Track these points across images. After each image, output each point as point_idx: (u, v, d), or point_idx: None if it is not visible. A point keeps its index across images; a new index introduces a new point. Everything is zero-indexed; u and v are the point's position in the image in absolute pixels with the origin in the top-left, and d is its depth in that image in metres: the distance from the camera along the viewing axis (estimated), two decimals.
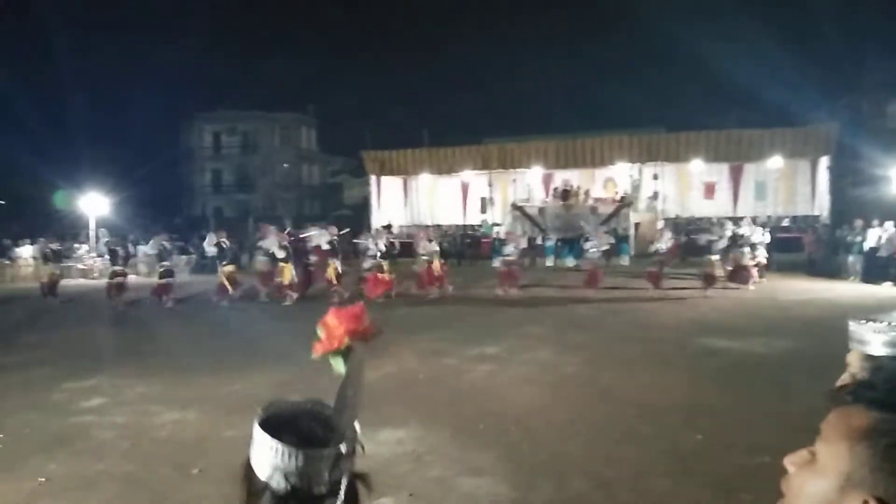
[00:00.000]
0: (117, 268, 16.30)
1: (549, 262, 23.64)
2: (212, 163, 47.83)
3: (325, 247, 15.66)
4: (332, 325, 1.28)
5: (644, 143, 26.09)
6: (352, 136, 43.18)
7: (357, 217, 33.78)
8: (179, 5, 76.06)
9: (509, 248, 16.80)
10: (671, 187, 26.97)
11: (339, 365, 1.25)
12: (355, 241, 17.55)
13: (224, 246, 18.27)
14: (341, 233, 16.81)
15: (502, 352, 9.16)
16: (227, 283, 15.65)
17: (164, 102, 53.11)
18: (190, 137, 47.65)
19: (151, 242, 17.97)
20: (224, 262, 16.23)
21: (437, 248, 16.56)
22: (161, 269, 16.30)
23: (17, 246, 25.63)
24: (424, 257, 15.86)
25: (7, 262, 24.62)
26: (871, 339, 1.69)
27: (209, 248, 18.39)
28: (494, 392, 7.17)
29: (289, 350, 8.43)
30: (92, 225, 26.32)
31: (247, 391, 7.21)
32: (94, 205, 26.62)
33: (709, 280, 14.96)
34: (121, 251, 17.51)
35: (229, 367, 8.46)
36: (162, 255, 16.55)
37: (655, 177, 26.51)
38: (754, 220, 18.73)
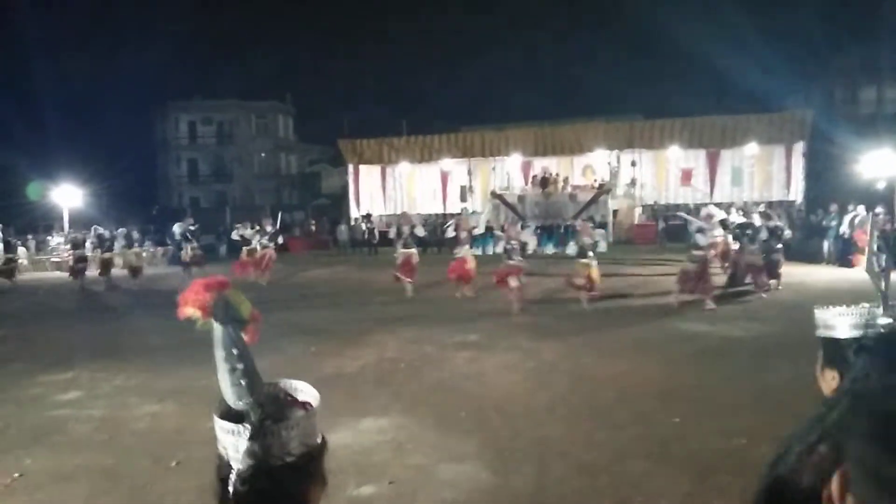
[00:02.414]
0: (79, 253, 18.03)
1: (530, 249, 23.73)
2: (188, 153, 47.22)
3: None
4: (189, 293, 1.28)
5: (622, 130, 26.24)
6: (330, 124, 42.80)
7: (336, 206, 33.62)
8: None
9: (461, 245, 13.96)
10: (649, 174, 27.17)
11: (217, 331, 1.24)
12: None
13: (189, 234, 18.63)
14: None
15: (483, 339, 9.18)
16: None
17: (139, 92, 52.21)
18: (165, 127, 46.97)
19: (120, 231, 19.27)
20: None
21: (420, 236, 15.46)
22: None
23: None
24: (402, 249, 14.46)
25: None
26: (837, 323, 1.72)
27: (177, 234, 18.90)
28: (475, 379, 7.19)
29: (269, 338, 8.39)
30: (66, 216, 25.91)
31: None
32: (68, 196, 26.18)
33: (684, 280, 11.43)
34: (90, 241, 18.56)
35: (209, 359, 8.36)
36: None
37: (633, 163, 26.67)
38: (739, 208, 18.86)
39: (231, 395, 1.09)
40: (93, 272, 18.22)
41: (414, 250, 14.18)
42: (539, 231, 24.24)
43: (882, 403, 0.68)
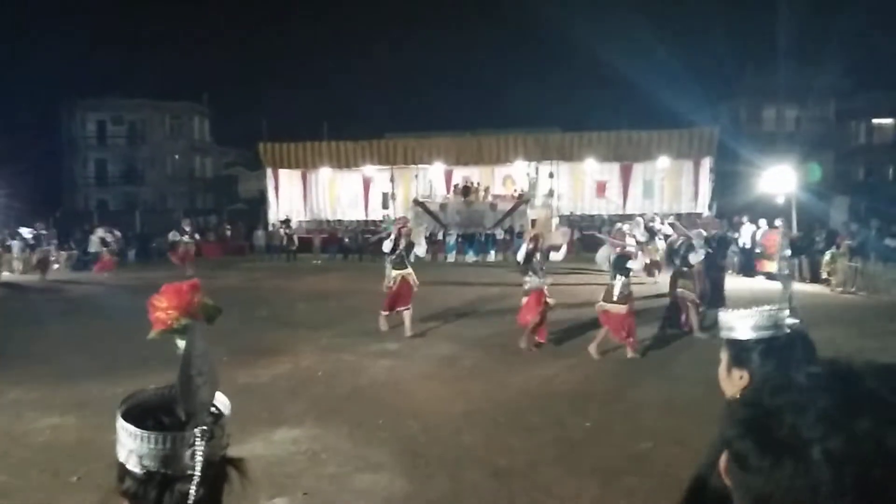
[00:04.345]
0: None
1: (451, 257, 23.90)
2: (96, 153, 45.03)
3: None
4: (159, 303, 1.26)
5: (540, 142, 26.84)
6: (247, 127, 41.79)
7: (253, 211, 32.85)
8: None
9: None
10: (566, 185, 27.89)
11: (179, 342, 1.22)
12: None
13: (109, 241, 18.97)
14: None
15: (403, 347, 9.18)
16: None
17: (45, 88, 49.54)
18: (72, 126, 44.67)
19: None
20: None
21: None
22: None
23: None
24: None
25: None
26: (738, 325, 1.83)
27: (94, 242, 18.99)
28: (394, 387, 7.18)
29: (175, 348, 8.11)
30: None
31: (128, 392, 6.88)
32: None
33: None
34: None
35: (116, 370, 7.99)
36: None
37: (551, 175, 27.30)
38: (653, 219, 19.63)
39: (195, 398, 1.05)
40: None
41: (411, 270, 10.34)
42: (460, 239, 24.50)
43: (762, 399, 0.73)
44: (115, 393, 6.90)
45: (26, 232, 22.30)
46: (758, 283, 16.14)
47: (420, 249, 11.03)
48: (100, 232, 22.37)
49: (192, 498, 0.99)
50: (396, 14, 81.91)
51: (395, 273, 10.33)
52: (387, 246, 10.58)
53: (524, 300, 9.16)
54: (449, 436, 5.59)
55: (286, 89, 74.79)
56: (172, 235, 21.41)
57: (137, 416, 1.03)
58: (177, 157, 45.48)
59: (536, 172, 27.49)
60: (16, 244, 22.59)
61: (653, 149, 26.00)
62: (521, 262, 9.23)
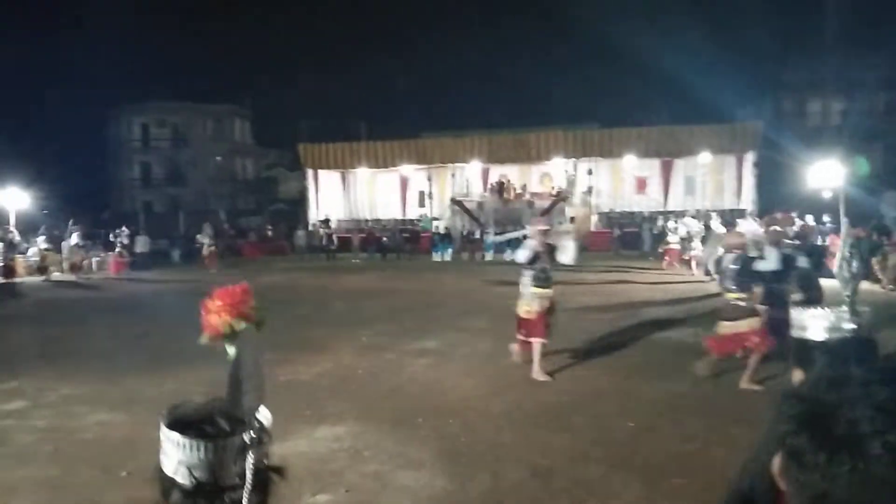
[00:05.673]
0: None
1: (489, 256, 23.84)
2: (141, 156, 46.18)
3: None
4: (212, 307, 1.25)
5: (578, 139, 26.61)
6: (288, 128, 42.37)
7: (294, 211, 33.27)
8: None
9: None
10: (605, 182, 27.61)
11: (228, 349, 1.22)
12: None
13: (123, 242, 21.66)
14: None
15: (442, 345, 9.18)
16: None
17: (91, 93, 50.82)
18: (118, 130, 45.87)
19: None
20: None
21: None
22: None
23: None
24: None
25: None
26: (811, 325, 1.77)
27: (141, 242, 20.85)
28: (434, 386, 7.18)
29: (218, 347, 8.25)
30: (12, 221, 25.05)
31: (178, 390, 6.99)
32: (12, 200, 25.32)
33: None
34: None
35: (159, 366, 8.18)
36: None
37: (590, 172, 27.07)
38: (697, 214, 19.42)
39: (244, 402, 1.05)
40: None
41: (551, 291, 7.63)
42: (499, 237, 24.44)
43: (818, 394, 0.70)
44: (161, 391, 7.07)
45: (76, 232, 23.19)
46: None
47: (567, 254, 7.62)
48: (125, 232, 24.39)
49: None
50: (432, 13, 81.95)
51: (536, 292, 7.40)
52: (523, 255, 7.52)
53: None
54: (489, 434, 5.57)
55: (324, 91, 75.48)
56: (201, 238, 23.10)
57: (182, 426, 1.03)
58: (218, 158, 46.33)
59: (575, 169, 27.28)
60: (66, 244, 23.31)
61: (694, 144, 25.55)
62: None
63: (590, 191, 27.09)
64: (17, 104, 46.69)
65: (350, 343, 9.38)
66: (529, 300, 7.41)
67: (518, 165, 27.77)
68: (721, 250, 7.31)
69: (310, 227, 28.54)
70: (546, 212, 25.17)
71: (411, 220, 28.36)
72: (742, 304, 6.83)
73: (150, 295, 16.44)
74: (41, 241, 23.31)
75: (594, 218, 27.00)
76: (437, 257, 24.10)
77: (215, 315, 1.25)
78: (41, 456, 5.35)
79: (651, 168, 27.14)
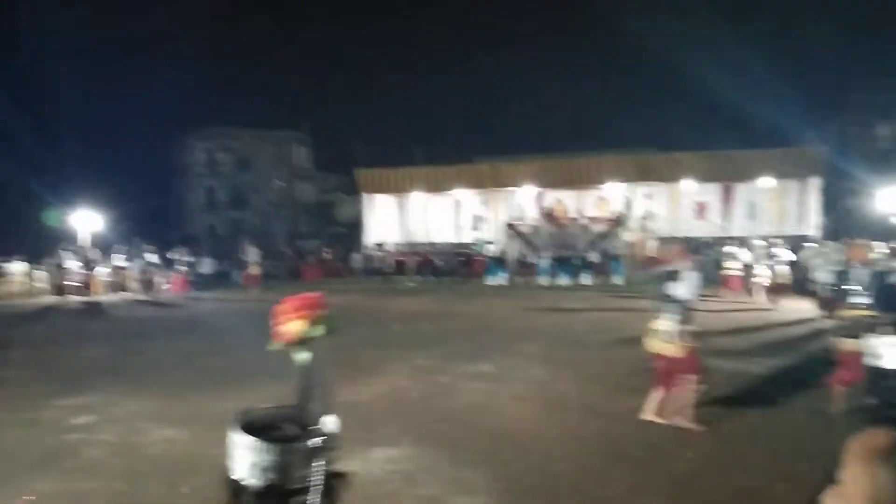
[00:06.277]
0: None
1: (544, 281, 23.68)
2: (206, 180, 47.84)
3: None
4: (287, 313, 1.31)
5: (636, 163, 26.35)
6: (345, 153, 43.31)
7: (351, 234, 33.81)
8: (175, 23, 76.35)
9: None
10: (663, 206, 27.18)
11: (299, 355, 1.27)
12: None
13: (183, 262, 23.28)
14: None
15: (496, 370, 9.15)
16: None
17: (158, 120, 53.16)
18: (183, 155, 47.68)
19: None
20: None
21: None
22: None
23: (9, 262, 25.50)
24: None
25: None
26: (886, 353, 1.72)
27: (206, 263, 22.32)
28: (488, 411, 7.16)
29: (279, 364, 8.44)
30: (88, 241, 26.28)
31: (237, 408, 7.18)
32: (85, 221, 26.58)
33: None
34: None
35: (220, 384, 8.40)
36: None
37: (647, 196, 26.71)
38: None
39: (313, 408, 1.11)
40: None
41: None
42: (554, 263, 24.24)
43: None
44: (224, 408, 7.23)
45: (147, 253, 24.56)
46: None
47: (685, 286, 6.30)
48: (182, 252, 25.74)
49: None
50: (487, 40, 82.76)
51: (674, 329, 6.25)
52: (684, 289, 6.27)
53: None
54: (544, 462, 5.51)
55: (381, 117, 76.84)
56: (246, 259, 24.18)
57: (253, 431, 1.08)
58: (279, 182, 47.56)
59: (631, 193, 26.97)
60: (135, 265, 24.34)
61: (756, 168, 25.01)
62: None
63: (647, 215, 26.71)
64: (90, 130, 49.00)
65: (405, 365, 9.44)
66: (679, 336, 6.23)
67: (573, 190, 27.61)
68: (833, 265, 6.71)
69: (366, 250, 28.94)
70: (602, 236, 24.93)
71: (465, 244, 28.43)
72: (870, 320, 5.65)
73: (212, 314, 16.91)
74: (116, 260, 24.55)
75: (652, 243, 26.57)
76: (490, 281, 24.07)
77: (290, 321, 1.31)
78: (109, 469, 5.55)
79: (711, 192, 26.62)
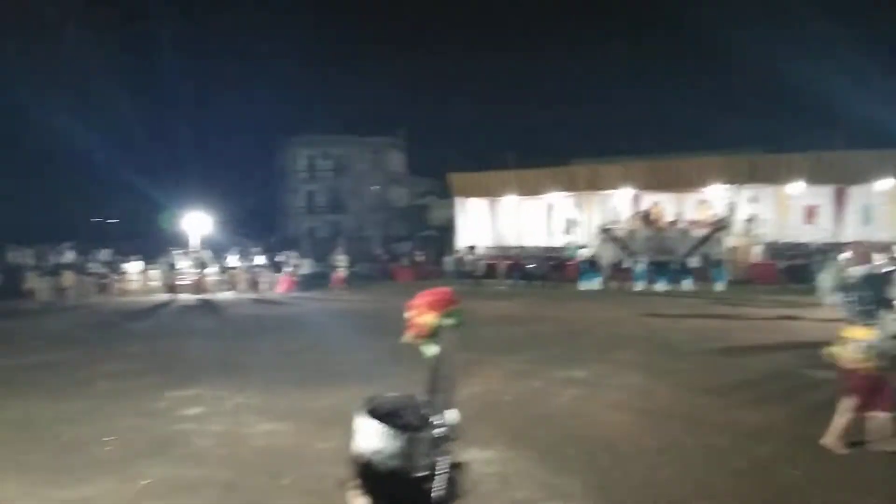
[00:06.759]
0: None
1: (639, 286, 23.04)
2: (306, 185, 49.64)
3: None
4: (420, 306, 1.33)
5: (740, 165, 25.21)
6: (440, 158, 43.84)
7: (443, 237, 34.12)
8: (279, 34, 79.77)
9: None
10: (769, 210, 25.89)
11: (428, 349, 1.29)
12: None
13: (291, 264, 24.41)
14: None
15: (590, 376, 8.99)
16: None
17: (263, 128, 55.67)
18: (286, 161, 49.68)
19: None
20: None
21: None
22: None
23: (127, 262, 27.38)
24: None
25: (117, 277, 26.29)
26: None
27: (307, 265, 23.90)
28: (583, 417, 7.05)
29: (378, 364, 8.68)
30: (197, 243, 27.84)
31: (338, 406, 7.38)
32: (196, 223, 28.17)
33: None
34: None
35: (320, 381, 8.71)
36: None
37: (752, 199, 25.52)
38: None
39: (439, 399, 1.14)
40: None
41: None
42: (651, 268, 23.53)
43: None
44: (321, 405, 7.49)
45: (256, 254, 26.07)
46: None
47: None
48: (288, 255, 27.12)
49: (435, 494, 1.05)
50: (583, 43, 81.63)
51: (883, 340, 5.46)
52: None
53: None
54: (642, 471, 5.37)
55: (475, 121, 77.29)
56: (334, 261, 25.41)
57: (380, 417, 1.12)
58: (375, 187, 48.74)
59: (735, 196, 25.82)
60: (244, 265, 25.67)
61: (872, 170, 23.35)
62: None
63: (752, 219, 25.51)
64: (201, 138, 51.82)
65: (497, 369, 9.43)
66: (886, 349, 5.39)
67: (672, 192, 26.72)
68: None
69: (457, 253, 29.12)
70: (703, 241, 24.01)
71: (557, 248, 28.07)
72: None
73: (314, 313, 17.49)
74: (229, 261, 26.09)
75: (757, 248, 25.35)
76: (584, 286, 23.66)
77: (422, 313, 1.34)
78: (216, 458, 5.85)
79: (822, 196, 25.10)
